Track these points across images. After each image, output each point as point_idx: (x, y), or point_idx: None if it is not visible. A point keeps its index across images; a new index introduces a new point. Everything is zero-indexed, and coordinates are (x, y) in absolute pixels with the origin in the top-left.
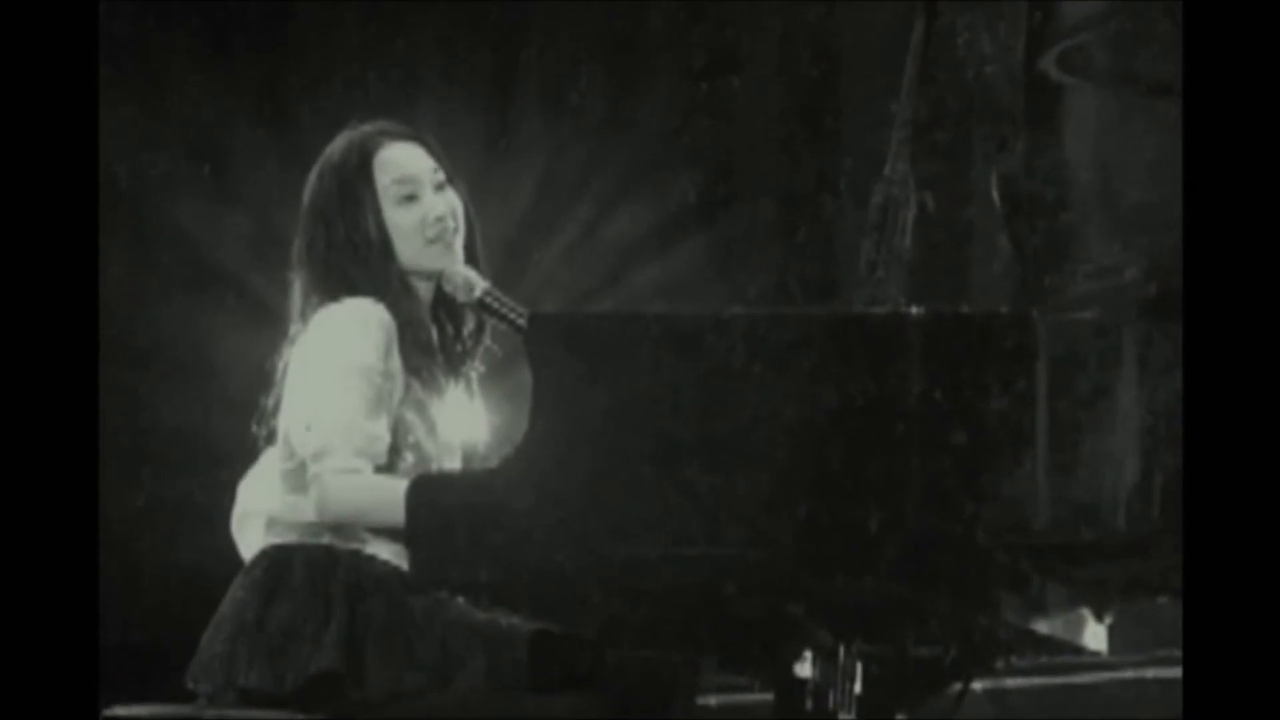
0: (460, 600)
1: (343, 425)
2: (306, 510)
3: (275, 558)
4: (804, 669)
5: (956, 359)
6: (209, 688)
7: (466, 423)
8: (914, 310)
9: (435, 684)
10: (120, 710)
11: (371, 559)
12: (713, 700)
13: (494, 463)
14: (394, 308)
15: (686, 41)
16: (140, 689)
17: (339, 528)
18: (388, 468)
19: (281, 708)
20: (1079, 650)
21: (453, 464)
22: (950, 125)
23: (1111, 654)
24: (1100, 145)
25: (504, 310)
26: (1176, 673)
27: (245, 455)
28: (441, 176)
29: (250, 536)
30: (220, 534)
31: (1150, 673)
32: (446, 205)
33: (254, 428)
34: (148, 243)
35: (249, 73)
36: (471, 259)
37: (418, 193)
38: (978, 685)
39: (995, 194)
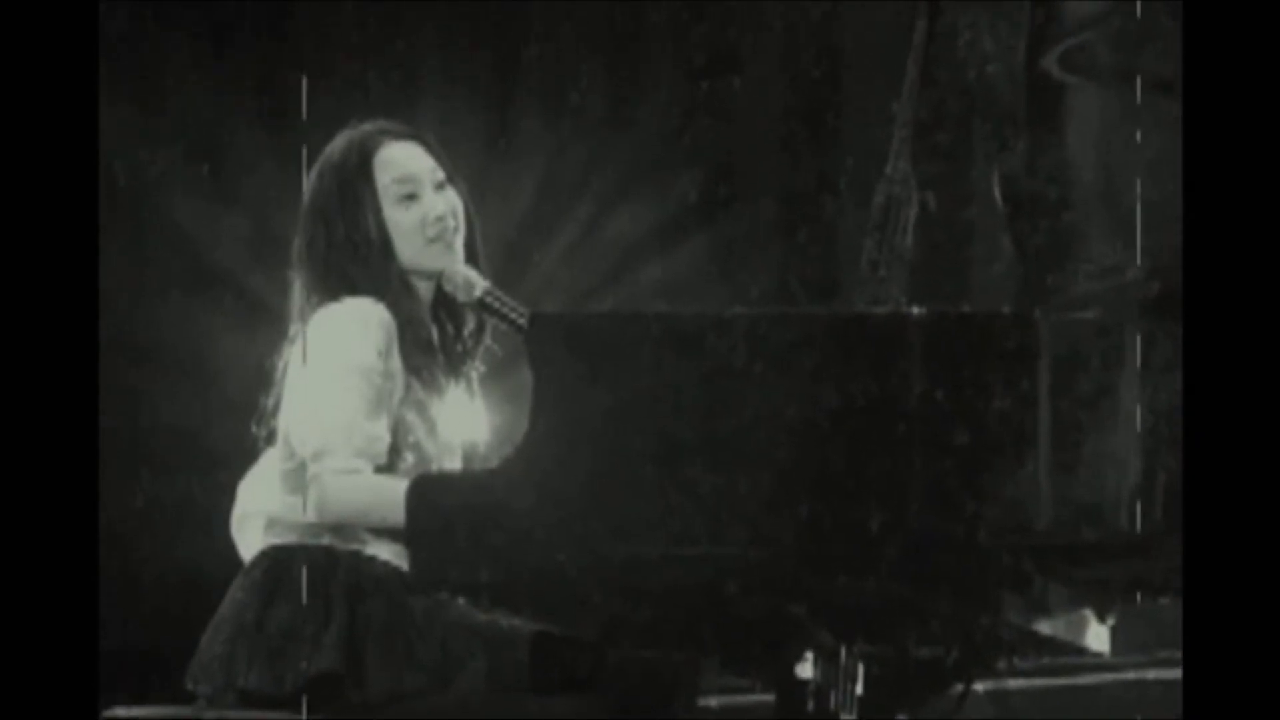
0: (461, 601)
1: (343, 425)
2: (306, 511)
3: (275, 559)
4: (805, 669)
5: (958, 359)
6: (208, 689)
7: (467, 423)
8: (916, 310)
9: (435, 685)
10: (120, 711)
11: (371, 560)
12: (714, 701)
13: (494, 463)
14: (394, 307)
15: (687, 41)
16: (140, 690)
17: (339, 528)
18: (388, 468)
19: (281, 709)
20: (1081, 651)
21: (453, 464)
22: (952, 125)
23: (1114, 655)
24: (1102, 144)
25: (504, 310)
26: (1179, 674)
27: (245, 456)
28: (442, 176)
29: (250, 537)
30: (220, 535)
31: (1153, 674)
32: (447, 204)
33: (254, 428)
34: (146, 242)
35: (248, 71)
36: (472, 258)
37: (418, 192)
38: (979, 686)
39: (997, 193)
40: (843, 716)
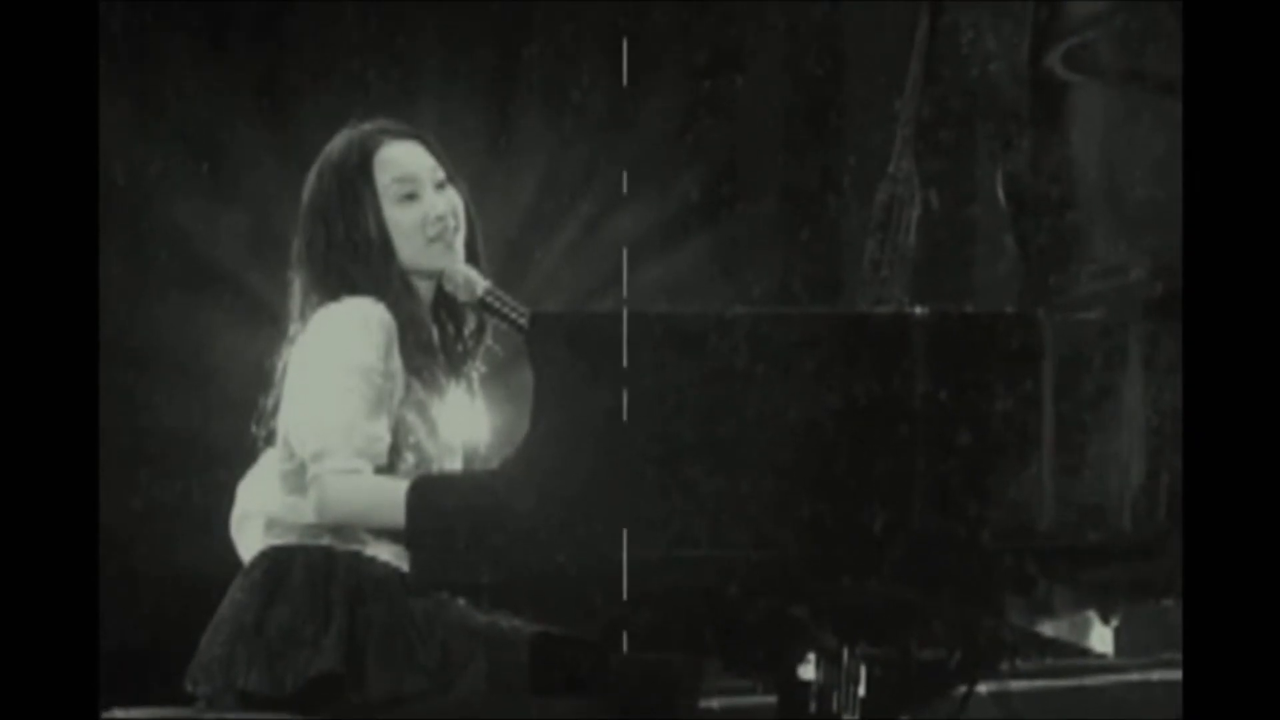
0: (461, 602)
1: (343, 426)
2: (306, 511)
3: (275, 559)
4: (808, 671)
5: (961, 359)
6: (208, 690)
7: (468, 423)
8: (919, 310)
9: (436, 687)
10: (119, 713)
11: (372, 561)
12: (716, 703)
13: (495, 463)
14: (394, 307)
15: (689, 39)
16: (139, 691)
17: (339, 529)
18: (388, 468)
19: (281, 710)
20: (1085, 652)
21: (454, 465)
22: (955, 123)
23: (1117, 656)
24: (1106, 143)
25: (505, 310)
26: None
27: (244, 456)
28: (442, 175)
29: (249, 538)
30: (219, 535)
31: (1156, 675)
32: (447, 204)
33: (253, 428)
34: (145, 241)
35: (247, 70)
36: (472, 258)
37: (418, 191)
38: (982, 688)
39: (1000, 193)
40: (845, 718)
